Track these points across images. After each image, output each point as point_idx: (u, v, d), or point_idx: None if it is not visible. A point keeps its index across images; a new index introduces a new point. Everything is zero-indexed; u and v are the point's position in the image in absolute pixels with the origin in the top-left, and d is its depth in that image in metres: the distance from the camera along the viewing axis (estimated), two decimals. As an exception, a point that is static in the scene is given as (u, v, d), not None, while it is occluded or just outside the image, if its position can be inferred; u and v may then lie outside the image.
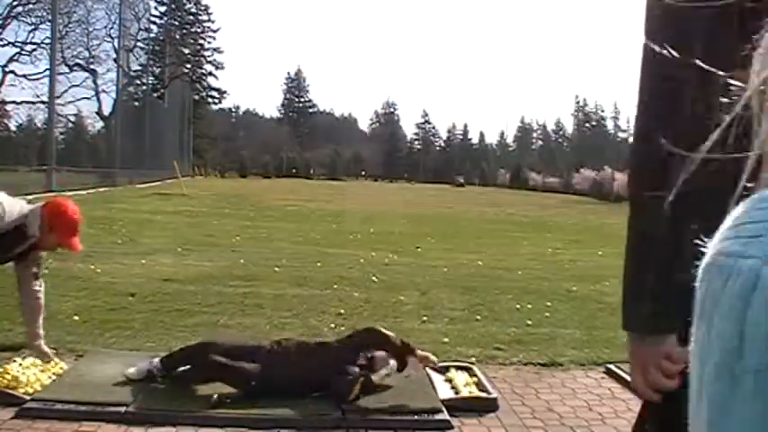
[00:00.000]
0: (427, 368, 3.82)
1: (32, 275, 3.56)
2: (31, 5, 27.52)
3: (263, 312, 5.28)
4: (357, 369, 3.31)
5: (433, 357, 3.77)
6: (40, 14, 27.44)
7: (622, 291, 1.08)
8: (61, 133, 31.41)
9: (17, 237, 3.24)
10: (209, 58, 61.00)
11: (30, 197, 16.61)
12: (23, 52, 28.10)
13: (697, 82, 1.01)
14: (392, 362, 3.45)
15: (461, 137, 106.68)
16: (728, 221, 0.37)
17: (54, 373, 3.47)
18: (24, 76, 27.83)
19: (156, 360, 3.45)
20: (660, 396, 1.04)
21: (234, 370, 3.25)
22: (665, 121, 1.07)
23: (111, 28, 30.59)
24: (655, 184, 1.10)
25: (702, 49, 0.92)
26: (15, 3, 27.30)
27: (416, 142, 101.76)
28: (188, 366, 3.39)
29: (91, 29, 29.96)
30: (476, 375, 3.71)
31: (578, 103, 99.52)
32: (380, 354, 3.48)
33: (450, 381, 3.63)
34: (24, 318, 3.58)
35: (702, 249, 0.36)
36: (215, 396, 3.15)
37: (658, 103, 1.08)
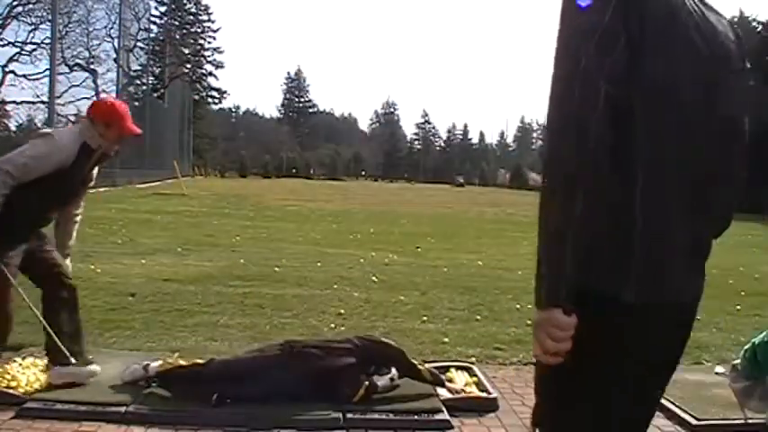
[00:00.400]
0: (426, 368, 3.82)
1: (79, 208, 3.56)
2: (31, 5, 27.55)
3: (263, 312, 5.28)
4: (363, 375, 3.31)
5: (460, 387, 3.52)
6: (40, 14, 27.49)
7: (543, 275, 1.24)
8: (61, 133, 31.42)
9: (86, 156, 3.20)
10: (209, 58, 61.02)
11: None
12: (23, 52, 28.14)
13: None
14: (394, 370, 3.43)
15: (461, 137, 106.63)
16: None
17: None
18: (24, 76, 27.88)
19: (155, 365, 3.42)
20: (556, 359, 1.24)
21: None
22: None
23: (111, 28, 30.62)
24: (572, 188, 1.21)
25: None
26: (15, 3, 27.32)
27: (416, 142, 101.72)
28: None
29: (91, 29, 29.99)
30: (476, 375, 3.71)
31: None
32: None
33: (450, 381, 3.63)
34: (59, 239, 3.51)
35: None
36: (215, 396, 3.15)
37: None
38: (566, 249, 1.21)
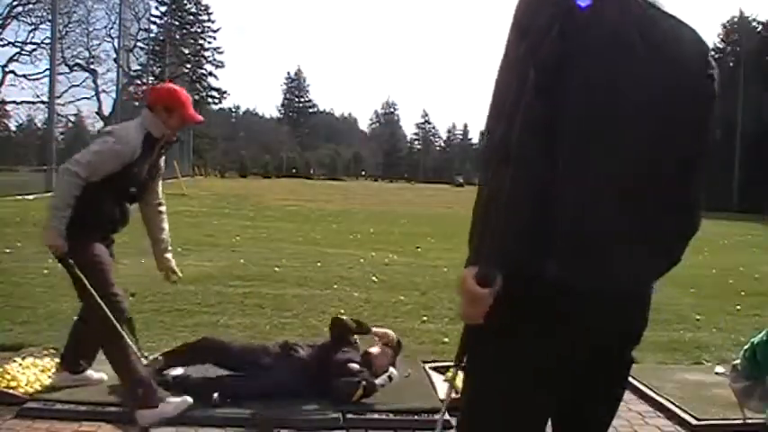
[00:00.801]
0: (426, 367, 3.83)
1: (158, 193, 3.51)
2: (31, 5, 27.58)
3: (263, 312, 5.28)
4: (357, 367, 3.32)
5: (392, 334, 3.69)
6: (40, 14, 27.52)
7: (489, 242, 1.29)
8: (61, 133, 31.50)
9: (150, 147, 3.15)
10: (209, 58, 61.00)
11: (30, 197, 16.56)
12: (23, 52, 28.17)
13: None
14: (392, 369, 3.44)
15: (461, 137, 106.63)
16: None
17: (54, 374, 3.46)
18: (24, 76, 27.92)
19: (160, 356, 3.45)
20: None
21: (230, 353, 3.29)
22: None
23: (111, 28, 30.67)
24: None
25: None
26: (15, 3, 27.34)
27: (416, 142, 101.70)
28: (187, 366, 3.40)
29: (91, 29, 30.04)
30: (476, 375, 3.70)
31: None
32: (379, 353, 3.48)
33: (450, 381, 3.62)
34: (152, 242, 3.53)
35: None
36: (215, 396, 3.15)
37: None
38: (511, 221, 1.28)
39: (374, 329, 3.70)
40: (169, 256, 3.52)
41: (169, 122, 3.17)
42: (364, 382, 3.24)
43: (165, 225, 3.53)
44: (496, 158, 1.30)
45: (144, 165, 3.18)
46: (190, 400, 3.05)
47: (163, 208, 3.51)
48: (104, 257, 3.15)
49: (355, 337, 3.63)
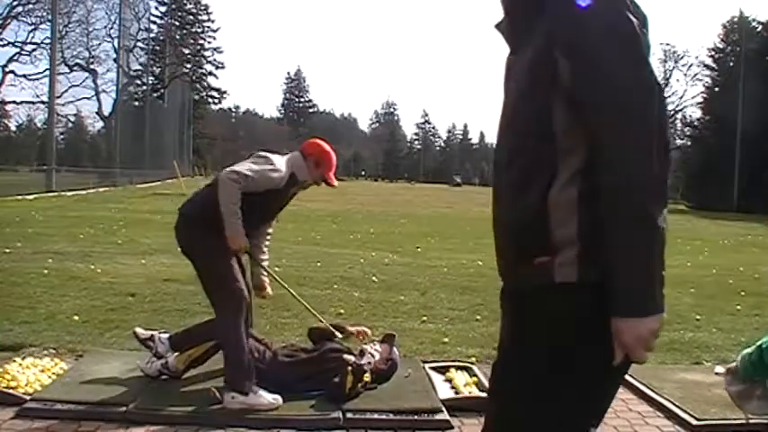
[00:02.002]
0: (426, 367, 3.83)
1: (266, 234, 3.75)
2: (31, 5, 27.59)
3: (263, 312, 5.27)
4: (341, 355, 3.42)
5: (368, 331, 3.86)
6: (40, 14, 27.54)
7: (647, 280, 1.28)
8: (61, 133, 31.51)
9: (290, 184, 3.44)
10: (209, 58, 61.03)
11: (30, 197, 16.56)
12: (23, 52, 28.19)
13: None
14: (369, 347, 3.54)
15: (461, 137, 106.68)
16: None
17: (54, 373, 3.46)
18: (24, 76, 27.95)
19: (172, 359, 3.48)
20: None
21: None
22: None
23: (111, 28, 30.69)
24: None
25: None
26: (15, 3, 27.34)
27: (416, 142, 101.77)
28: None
29: (91, 29, 30.06)
30: (476, 375, 3.71)
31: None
32: (377, 351, 3.51)
33: (450, 381, 3.63)
34: (254, 254, 3.68)
35: None
36: (214, 391, 3.15)
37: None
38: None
39: (350, 328, 3.82)
40: (264, 273, 3.77)
41: (313, 174, 3.52)
42: (350, 368, 3.28)
43: (266, 250, 3.79)
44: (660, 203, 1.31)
45: (280, 197, 3.49)
46: (281, 400, 3.18)
47: (269, 237, 3.80)
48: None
49: (339, 337, 3.69)
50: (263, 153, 3.46)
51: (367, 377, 3.33)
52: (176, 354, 3.51)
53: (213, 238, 3.19)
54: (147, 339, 3.58)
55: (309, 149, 3.55)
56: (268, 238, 3.77)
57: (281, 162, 3.41)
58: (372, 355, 3.50)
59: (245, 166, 3.28)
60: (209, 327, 3.46)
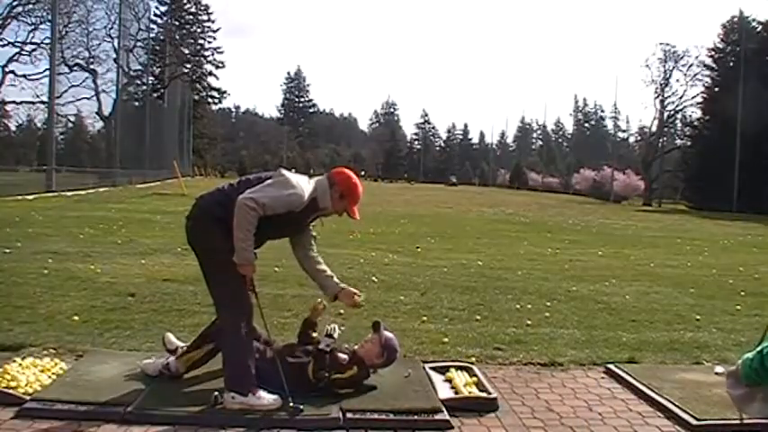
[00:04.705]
0: (426, 367, 3.83)
1: (311, 238, 3.67)
2: (31, 5, 27.53)
3: (263, 312, 5.27)
4: (306, 347, 3.49)
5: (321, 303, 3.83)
6: (40, 14, 27.47)
7: None
8: (61, 133, 31.46)
9: (311, 209, 3.37)
10: (209, 58, 60.96)
11: (30, 197, 16.54)
12: (23, 52, 28.12)
13: None
14: (329, 326, 3.59)
15: (461, 137, 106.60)
16: None
17: (54, 373, 3.46)
18: (24, 76, 27.85)
19: (173, 361, 3.50)
20: None
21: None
22: None
23: (111, 28, 30.61)
24: None
25: None
26: (15, 3, 27.30)
27: (416, 142, 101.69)
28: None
29: (91, 29, 29.99)
30: (476, 375, 3.71)
31: (577, 102, 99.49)
32: (363, 346, 3.55)
33: (450, 381, 3.63)
34: (315, 276, 3.64)
35: None
36: (215, 395, 3.15)
37: None
38: None
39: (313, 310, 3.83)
40: (337, 280, 3.64)
41: (336, 204, 3.42)
42: (309, 358, 3.35)
43: (321, 262, 3.69)
44: None
45: (297, 221, 3.39)
46: (281, 400, 3.17)
47: (314, 252, 3.68)
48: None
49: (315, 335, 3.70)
50: (283, 173, 3.36)
51: (352, 372, 3.35)
52: (178, 355, 3.52)
53: (230, 240, 3.17)
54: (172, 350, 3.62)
55: (337, 178, 3.44)
56: (312, 253, 3.66)
57: (303, 184, 3.31)
58: (331, 336, 3.49)
59: (263, 193, 3.19)
60: (215, 331, 3.49)
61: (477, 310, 5.66)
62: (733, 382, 2.88)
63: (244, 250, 3.15)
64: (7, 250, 7.69)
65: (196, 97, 55.99)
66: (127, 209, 15.89)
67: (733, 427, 3.07)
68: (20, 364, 3.44)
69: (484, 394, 3.44)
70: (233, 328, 3.24)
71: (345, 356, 3.45)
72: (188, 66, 54.32)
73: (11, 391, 3.17)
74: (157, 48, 42.71)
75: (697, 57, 44.80)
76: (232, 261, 3.17)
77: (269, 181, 3.30)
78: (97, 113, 32.12)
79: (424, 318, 5.29)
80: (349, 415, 3.11)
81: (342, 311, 5.34)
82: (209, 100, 63.42)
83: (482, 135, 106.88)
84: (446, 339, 4.59)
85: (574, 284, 7.23)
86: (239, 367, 3.20)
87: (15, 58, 28.24)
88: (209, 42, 60.84)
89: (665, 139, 52.53)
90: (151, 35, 39.04)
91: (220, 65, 61.55)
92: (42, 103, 27.04)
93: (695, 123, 43.28)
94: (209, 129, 62.79)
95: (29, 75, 27.74)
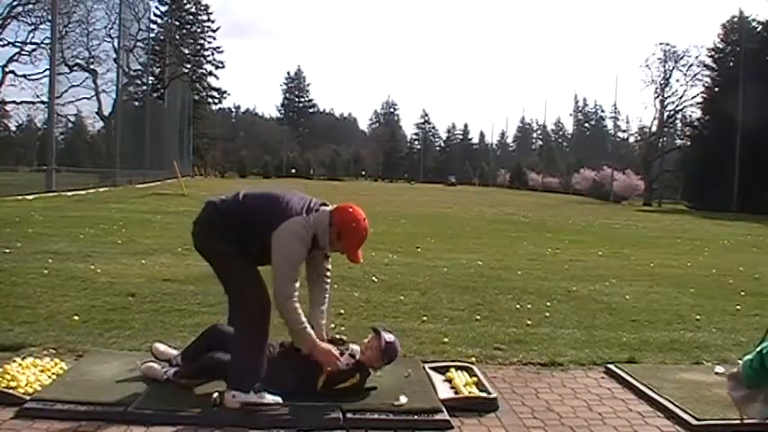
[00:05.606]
0: (426, 367, 3.83)
1: (324, 269, 3.52)
2: (31, 5, 27.53)
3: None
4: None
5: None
6: (40, 14, 27.46)
7: None
8: (61, 133, 31.42)
9: (313, 246, 3.25)
10: (209, 58, 60.97)
11: (30, 197, 16.50)
12: (23, 52, 28.11)
13: None
14: (353, 346, 3.47)
15: (461, 137, 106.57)
16: None
17: (54, 373, 3.46)
18: (24, 76, 27.85)
19: (171, 371, 3.44)
20: None
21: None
22: None
23: (111, 28, 30.59)
24: None
25: None
26: (15, 3, 27.30)
27: (416, 142, 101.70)
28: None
29: (91, 29, 29.96)
30: (476, 375, 3.71)
31: (577, 102, 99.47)
32: (364, 351, 3.49)
33: (450, 381, 3.63)
34: (310, 308, 3.48)
35: None
36: (215, 396, 3.15)
37: None
38: None
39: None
40: (323, 322, 3.50)
41: (333, 244, 3.27)
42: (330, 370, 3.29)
43: (327, 293, 3.56)
44: None
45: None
46: (281, 400, 3.17)
47: (328, 279, 3.57)
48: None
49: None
50: (279, 235, 3.13)
51: (354, 380, 3.33)
52: (178, 377, 3.41)
53: (235, 245, 3.17)
54: (166, 360, 3.53)
55: (337, 217, 3.23)
56: (326, 279, 3.54)
57: (306, 227, 3.17)
58: (353, 357, 3.40)
59: (281, 274, 3.13)
60: (218, 363, 3.30)
61: (477, 310, 5.66)
62: (734, 384, 2.88)
63: (306, 338, 3.19)
64: (7, 250, 7.69)
65: (196, 97, 55.99)
66: (127, 209, 15.89)
67: (733, 427, 3.07)
68: (20, 364, 3.44)
69: (484, 394, 3.44)
70: (249, 325, 3.22)
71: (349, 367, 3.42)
72: (188, 66, 54.36)
73: (11, 391, 3.16)
74: (157, 48, 42.73)
75: (697, 57, 44.87)
76: (241, 258, 3.20)
77: (274, 250, 3.14)
78: (97, 113, 32.12)
79: (424, 318, 5.29)
80: (349, 415, 3.11)
81: (342, 311, 5.35)
82: (210, 100, 63.46)
83: (482, 135, 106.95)
84: (446, 339, 4.59)
85: (574, 284, 7.23)
86: (247, 365, 3.17)
87: (15, 58, 28.25)
88: (209, 42, 60.93)
89: (665, 139, 52.55)
90: (151, 35, 39.04)
91: (220, 65, 61.62)
92: (42, 103, 27.05)
93: (695, 123, 43.26)
94: (209, 129, 62.78)
95: (29, 75, 27.75)
